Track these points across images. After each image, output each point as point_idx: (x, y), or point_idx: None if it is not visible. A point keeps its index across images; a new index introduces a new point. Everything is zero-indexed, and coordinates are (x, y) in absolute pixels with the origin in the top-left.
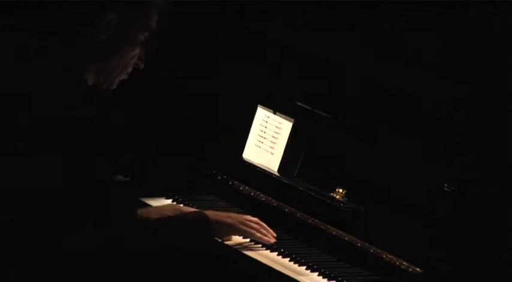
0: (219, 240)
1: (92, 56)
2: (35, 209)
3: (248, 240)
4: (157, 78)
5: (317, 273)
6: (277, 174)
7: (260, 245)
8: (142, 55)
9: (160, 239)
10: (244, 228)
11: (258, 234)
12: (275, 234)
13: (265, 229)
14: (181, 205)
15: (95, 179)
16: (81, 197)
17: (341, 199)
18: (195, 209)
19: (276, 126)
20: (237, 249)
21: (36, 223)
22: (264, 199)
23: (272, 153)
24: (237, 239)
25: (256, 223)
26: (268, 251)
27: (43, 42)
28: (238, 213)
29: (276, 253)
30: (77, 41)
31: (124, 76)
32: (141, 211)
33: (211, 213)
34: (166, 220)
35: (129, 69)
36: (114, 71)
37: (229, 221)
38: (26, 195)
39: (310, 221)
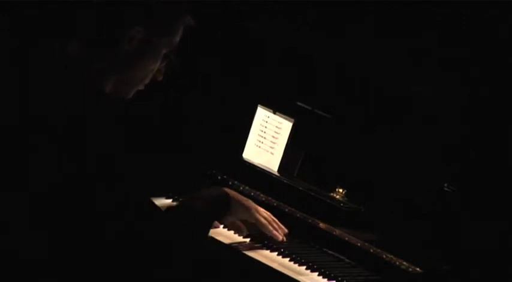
0: (220, 238)
1: (113, 67)
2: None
3: (248, 239)
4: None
5: (317, 273)
6: (277, 174)
7: (260, 245)
8: (161, 68)
9: (185, 218)
10: (259, 216)
11: (270, 227)
12: (286, 231)
13: (277, 224)
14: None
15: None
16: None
17: (341, 199)
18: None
19: (276, 126)
20: (237, 249)
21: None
22: (264, 199)
23: (272, 153)
24: (237, 238)
25: (270, 217)
26: (268, 251)
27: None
28: None
29: (276, 253)
30: (99, 50)
31: (141, 87)
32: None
33: (231, 192)
34: (188, 199)
35: (147, 81)
36: (132, 82)
37: (247, 204)
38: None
39: (310, 221)
